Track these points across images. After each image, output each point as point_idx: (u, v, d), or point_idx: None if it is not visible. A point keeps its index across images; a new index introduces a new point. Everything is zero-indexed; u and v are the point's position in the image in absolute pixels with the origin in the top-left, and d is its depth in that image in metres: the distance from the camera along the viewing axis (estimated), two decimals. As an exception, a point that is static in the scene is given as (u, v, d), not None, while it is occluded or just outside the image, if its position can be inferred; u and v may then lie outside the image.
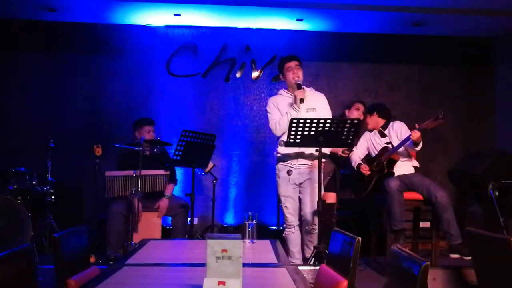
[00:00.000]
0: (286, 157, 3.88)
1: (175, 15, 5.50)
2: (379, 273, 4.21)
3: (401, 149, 4.29)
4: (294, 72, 3.86)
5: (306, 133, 3.48)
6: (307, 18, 5.49)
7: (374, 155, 4.48)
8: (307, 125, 3.45)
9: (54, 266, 1.94)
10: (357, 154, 4.58)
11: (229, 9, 5.25)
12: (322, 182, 3.64)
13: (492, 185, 4.31)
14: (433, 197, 4.03)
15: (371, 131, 4.59)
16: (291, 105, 3.85)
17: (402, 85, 5.99)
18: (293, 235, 3.89)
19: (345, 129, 3.52)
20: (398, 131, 4.33)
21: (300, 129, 3.47)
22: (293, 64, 3.89)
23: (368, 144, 4.58)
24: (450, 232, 3.98)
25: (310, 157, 3.84)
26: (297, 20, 5.56)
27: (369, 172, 4.38)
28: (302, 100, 3.75)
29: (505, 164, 4.98)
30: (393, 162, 4.29)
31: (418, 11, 5.15)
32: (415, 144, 4.10)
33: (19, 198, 4.42)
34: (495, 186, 4.31)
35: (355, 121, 3.52)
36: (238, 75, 5.86)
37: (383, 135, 4.48)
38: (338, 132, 3.52)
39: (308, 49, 5.80)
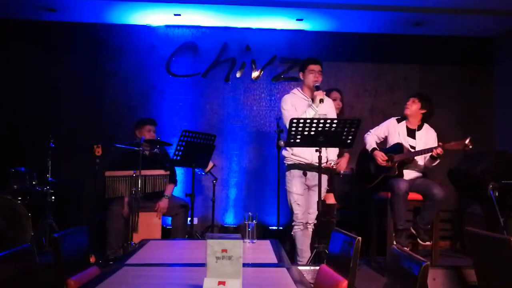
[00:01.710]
0: (299, 158, 3.90)
1: (175, 15, 5.50)
2: (379, 273, 4.21)
3: (421, 160, 4.27)
4: (316, 76, 3.93)
5: (306, 133, 3.49)
6: (307, 18, 5.49)
7: (387, 146, 4.44)
8: (307, 125, 3.45)
9: (54, 266, 1.94)
10: (373, 138, 4.45)
11: (229, 9, 5.25)
12: (321, 183, 3.65)
13: (492, 185, 4.30)
14: (430, 192, 4.08)
15: (400, 119, 4.41)
16: (310, 105, 3.89)
17: (402, 85, 5.99)
18: (302, 233, 3.93)
19: (345, 129, 3.52)
20: (429, 143, 4.21)
21: (300, 129, 3.47)
22: (317, 68, 3.95)
23: (390, 133, 4.42)
24: (424, 218, 4.12)
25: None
26: (297, 20, 5.56)
27: (384, 162, 4.26)
28: (322, 101, 3.81)
29: (505, 164, 4.97)
30: (404, 164, 4.26)
31: (418, 11, 5.15)
32: (433, 158, 4.10)
33: (19, 198, 4.42)
34: (495, 186, 4.30)
35: (355, 121, 3.52)
36: (238, 75, 5.86)
37: (412, 135, 4.34)
38: (338, 132, 3.52)
39: (308, 49, 5.80)
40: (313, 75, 3.93)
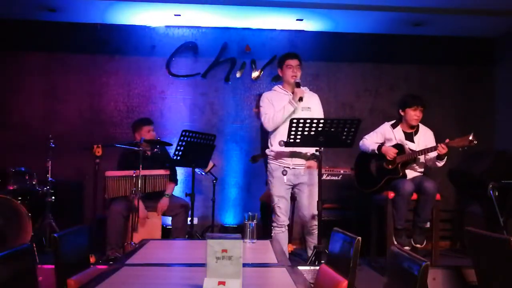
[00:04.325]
0: (279, 156, 3.83)
1: (175, 15, 5.50)
2: (379, 273, 4.21)
3: (423, 159, 4.24)
4: (294, 71, 3.83)
5: (306, 133, 3.49)
6: (307, 18, 5.49)
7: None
8: (307, 125, 3.45)
9: (54, 266, 1.94)
10: (371, 141, 4.38)
11: (229, 9, 5.25)
12: (321, 182, 3.64)
13: (492, 185, 4.30)
14: (422, 187, 4.08)
15: (395, 124, 4.33)
16: (289, 101, 3.77)
17: (402, 85, 5.99)
18: (283, 235, 3.87)
19: (345, 129, 3.52)
20: (429, 144, 4.16)
21: (300, 129, 3.47)
22: (294, 63, 3.85)
23: (386, 138, 4.34)
24: (420, 215, 4.13)
25: (304, 157, 3.82)
26: (297, 20, 5.56)
27: (395, 155, 4.20)
28: (301, 99, 3.72)
29: (505, 164, 4.98)
30: (407, 164, 4.25)
31: (418, 11, 5.15)
32: (439, 158, 4.03)
33: (19, 198, 4.42)
34: (495, 186, 4.31)
35: (355, 121, 3.52)
36: (238, 75, 5.86)
37: (410, 138, 4.28)
38: (338, 132, 3.52)
39: (308, 49, 5.80)
40: (290, 70, 3.83)
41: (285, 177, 3.82)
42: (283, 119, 3.75)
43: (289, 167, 3.83)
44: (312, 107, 3.88)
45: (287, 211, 3.88)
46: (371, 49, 5.96)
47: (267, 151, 3.95)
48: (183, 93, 5.84)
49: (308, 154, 3.85)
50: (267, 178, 4.01)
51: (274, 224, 3.88)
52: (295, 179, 3.85)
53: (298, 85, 3.77)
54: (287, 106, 3.75)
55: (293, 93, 3.79)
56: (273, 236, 3.88)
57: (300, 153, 3.80)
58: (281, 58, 3.96)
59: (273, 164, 3.88)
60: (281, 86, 3.96)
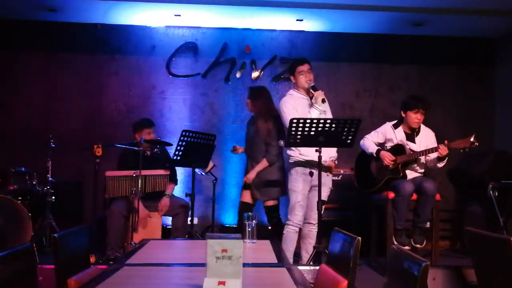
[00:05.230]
0: (308, 158, 3.85)
1: (175, 15, 5.50)
2: (379, 273, 4.21)
3: (423, 159, 4.23)
4: (307, 76, 3.91)
5: (306, 133, 3.49)
6: (307, 18, 5.49)
7: (386, 149, 4.36)
8: (307, 125, 3.45)
9: (54, 266, 1.94)
10: (372, 141, 4.38)
11: (229, 9, 5.25)
12: (326, 182, 3.65)
13: (491, 185, 4.30)
14: (422, 187, 4.09)
15: (397, 124, 4.33)
16: (312, 105, 3.83)
17: (402, 85, 5.99)
18: (295, 235, 3.91)
19: (345, 129, 3.52)
20: (430, 145, 4.14)
21: (300, 129, 3.47)
22: (305, 68, 3.92)
23: (387, 139, 4.35)
24: (420, 215, 4.14)
25: (326, 158, 3.87)
26: (297, 20, 5.56)
27: (392, 162, 4.21)
28: (324, 100, 3.78)
29: (505, 164, 4.98)
30: (407, 164, 4.25)
31: (418, 11, 5.15)
32: (440, 159, 4.02)
33: (19, 198, 4.42)
34: (494, 186, 4.30)
35: (355, 121, 3.52)
36: (238, 75, 5.86)
37: (411, 139, 4.28)
38: (338, 132, 3.52)
39: (308, 49, 5.81)
40: (303, 76, 3.91)
41: (311, 178, 3.87)
42: None
43: (316, 169, 3.84)
44: (326, 110, 3.96)
45: (304, 211, 3.91)
46: (371, 49, 5.96)
47: (291, 152, 3.94)
48: (183, 93, 5.84)
49: (330, 155, 3.94)
50: (288, 177, 3.98)
51: (289, 223, 3.90)
52: (317, 179, 3.86)
53: (314, 88, 3.83)
54: (312, 110, 3.81)
55: (311, 97, 3.87)
56: (284, 234, 3.91)
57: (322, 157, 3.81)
58: (291, 66, 4.05)
59: (300, 166, 3.90)
60: (296, 90, 4.01)
